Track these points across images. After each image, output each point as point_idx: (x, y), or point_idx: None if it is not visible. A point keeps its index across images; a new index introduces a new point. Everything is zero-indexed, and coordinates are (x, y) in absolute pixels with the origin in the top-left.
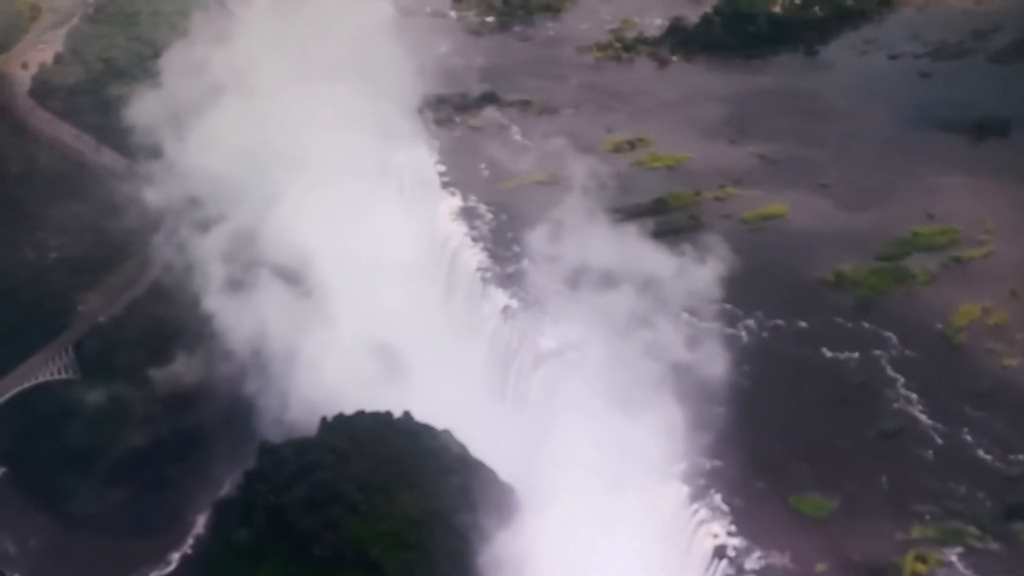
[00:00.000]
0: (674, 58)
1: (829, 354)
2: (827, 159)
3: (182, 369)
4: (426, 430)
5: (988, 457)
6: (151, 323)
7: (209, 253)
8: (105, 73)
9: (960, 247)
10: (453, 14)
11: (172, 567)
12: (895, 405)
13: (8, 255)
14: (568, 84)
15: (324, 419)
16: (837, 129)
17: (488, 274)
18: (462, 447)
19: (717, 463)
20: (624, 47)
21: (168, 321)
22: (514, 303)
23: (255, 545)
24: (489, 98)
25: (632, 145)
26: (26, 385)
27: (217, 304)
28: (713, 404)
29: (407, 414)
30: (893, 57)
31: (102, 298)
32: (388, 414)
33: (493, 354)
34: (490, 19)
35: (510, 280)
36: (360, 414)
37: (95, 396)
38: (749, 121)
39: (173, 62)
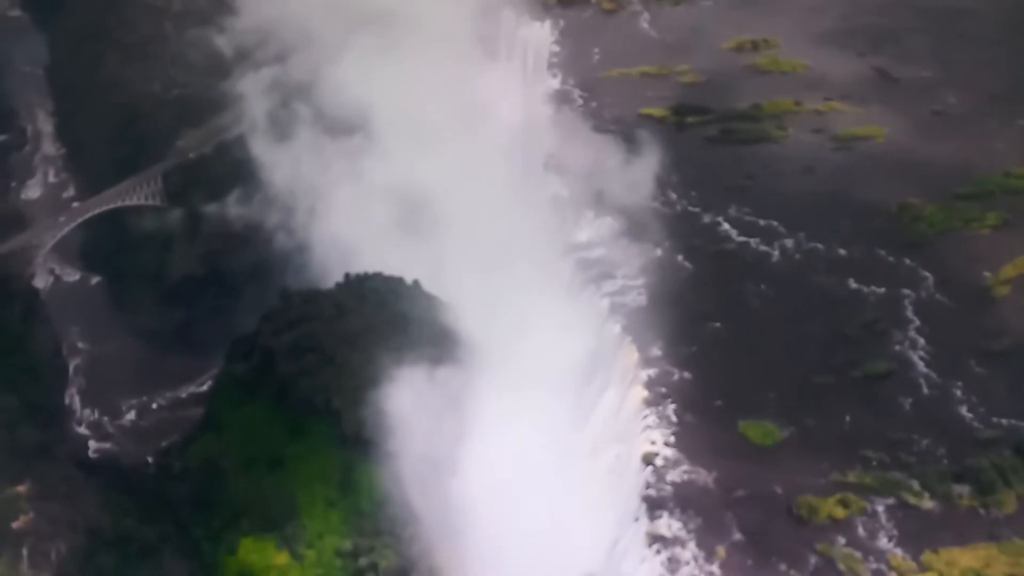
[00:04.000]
0: None
1: (854, 286)
2: (952, 84)
3: (247, 210)
4: (427, 300)
5: (969, 416)
6: (230, 166)
7: (292, 103)
8: None
9: None
10: None
11: (203, 388)
12: (896, 348)
13: (137, 87)
14: None
15: (347, 275)
16: (978, 54)
17: (552, 160)
18: (455, 321)
19: (686, 375)
20: None
21: (245, 165)
22: (565, 192)
23: (249, 380)
24: None
25: (755, 46)
26: (119, 204)
27: (293, 154)
28: (709, 318)
29: (416, 282)
30: None
31: (200, 136)
32: (400, 279)
33: (536, 238)
34: None
35: (569, 168)
36: (376, 275)
37: (170, 224)
38: (889, 35)
39: None
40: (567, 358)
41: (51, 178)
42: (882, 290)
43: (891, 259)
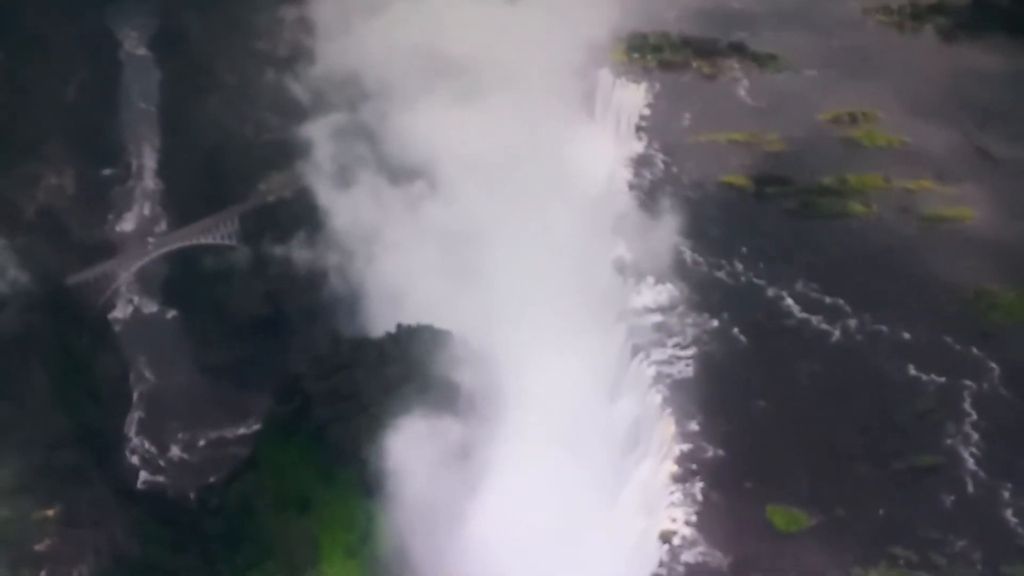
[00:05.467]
0: (964, 33)
1: (913, 373)
2: None
3: (310, 253)
4: (471, 356)
5: (1014, 520)
6: (305, 210)
7: (362, 148)
8: None
9: None
10: None
11: (255, 427)
12: (948, 441)
13: (232, 128)
14: (827, 44)
15: (399, 326)
16: None
17: (620, 223)
18: (496, 380)
19: (720, 453)
20: (913, 14)
21: (312, 209)
22: (628, 256)
23: (290, 422)
24: (737, 48)
25: (853, 118)
26: (196, 242)
27: (355, 200)
28: (755, 395)
29: (464, 338)
30: None
31: (282, 179)
32: (448, 333)
33: (593, 300)
34: None
35: (636, 232)
36: (425, 328)
37: (240, 262)
38: (1001, 114)
39: None
40: (607, 426)
41: (146, 211)
42: (942, 379)
43: (958, 347)
